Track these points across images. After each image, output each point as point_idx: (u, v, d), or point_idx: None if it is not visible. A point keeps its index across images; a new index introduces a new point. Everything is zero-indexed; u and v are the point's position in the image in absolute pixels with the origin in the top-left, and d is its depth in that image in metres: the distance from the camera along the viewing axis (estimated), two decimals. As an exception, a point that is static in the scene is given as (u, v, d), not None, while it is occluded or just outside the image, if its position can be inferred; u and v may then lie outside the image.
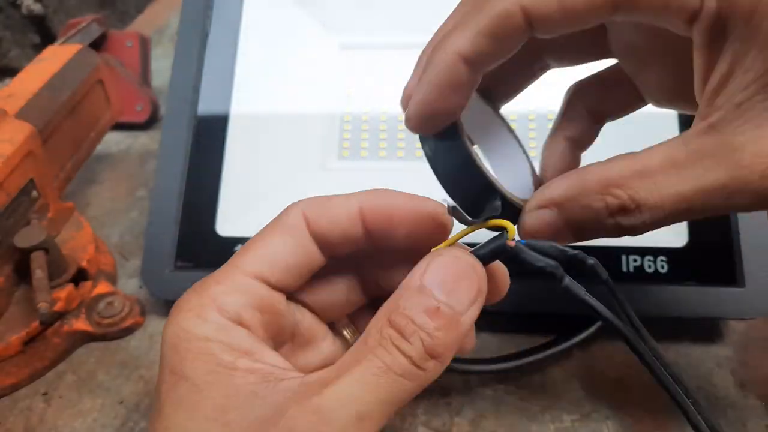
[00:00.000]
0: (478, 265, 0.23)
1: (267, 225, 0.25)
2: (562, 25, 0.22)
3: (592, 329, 0.38)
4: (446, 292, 0.22)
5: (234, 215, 0.42)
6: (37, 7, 0.81)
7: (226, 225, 0.42)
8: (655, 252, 0.38)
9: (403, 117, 0.42)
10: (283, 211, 0.25)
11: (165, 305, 0.44)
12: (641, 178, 0.22)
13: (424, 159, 0.42)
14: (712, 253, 0.38)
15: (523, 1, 0.22)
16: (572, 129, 0.31)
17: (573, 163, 0.31)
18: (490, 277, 0.24)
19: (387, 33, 0.46)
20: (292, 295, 0.26)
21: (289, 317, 0.25)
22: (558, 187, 0.24)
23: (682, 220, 0.23)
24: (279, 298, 0.25)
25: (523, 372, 0.37)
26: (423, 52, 0.27)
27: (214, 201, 0.43)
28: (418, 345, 0.21)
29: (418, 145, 0.42)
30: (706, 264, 0.38)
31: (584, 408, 0.35)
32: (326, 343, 0.27)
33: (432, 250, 0.24)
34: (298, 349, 0.27)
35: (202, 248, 0.42)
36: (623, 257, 0.38)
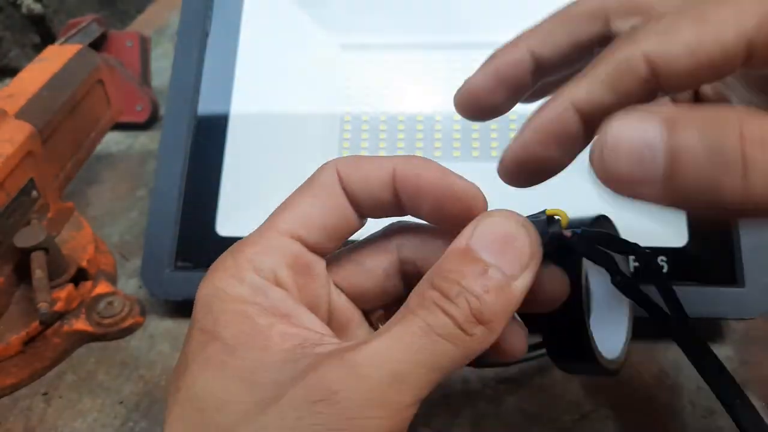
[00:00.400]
0: (531, 226, 0.21)
1: (301, 184, 0.24)
2: (692, 77, 0.19)
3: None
4: (495, 254, 0.20)
5: (234, 215, 0.42)
6: (37, 7, 0.81)
7: (226, 225, 0.42)
8: (656, 252, 0.38)
9: (402, 117, 0.43)
10: (317, 169, 0.24)
11: (165, 305, 0.44)
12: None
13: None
14: (712, 253, 0.38)
15: (646, 48, 0.19)
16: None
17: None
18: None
19: (387, 34, 0.46)
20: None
21: (325, 286, 0.24)
22: (681, 109, 0.18)
23: None
24: (316, 261, 0.24)
25: (523, 372, 0.37)
26: (493, 54, 0.25)
27: (214, 201, 0.43)
28: (464, 306, 0.19)
29: (419, 145, 0.43)
30: (706, 264, 0.38)
31: (584, 408, 0.35)
32: (362, 332, 0.26)
33: (479, 215, 0.22)
34: (334, 332, 0.25)
35: (202, 248, 0.42)
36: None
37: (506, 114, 0.42)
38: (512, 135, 0.41)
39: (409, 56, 0.45)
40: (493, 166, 0.40)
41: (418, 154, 0.43)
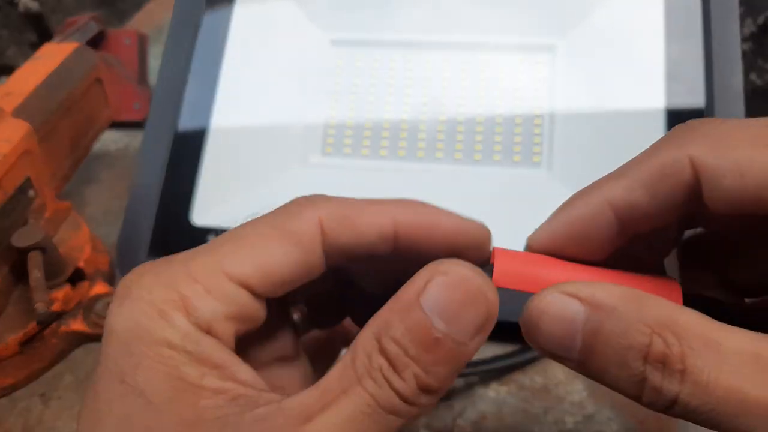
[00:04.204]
0: (491, 288, 0.19)
1: (268, 218, 0.21)
2: (736, 196, 0.18)
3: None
4: (448, 320, 0.18)
5: (211, 206, 0.43)
6: (34, 5, 0.81)
7: (202, 214, 0.43)
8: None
9: (387, 124, 0.43)
10: (291, 205, 0.21)
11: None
12: (707, 346, 0.17)
13: (405, 159, 0.42)
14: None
15: (693, 152, 0.18)
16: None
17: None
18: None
19: (379, 30, 0.46)
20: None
21: (263, 329, 0.22)
22: (607, 291, 0.18)
23: (717, 423, 0.17)
24: (260, 306, 0.21)
25: (525, 373, 0.37)
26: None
27: (191, 192, 0.43)
28: (412, 382, 0.18)
29: (402, 144, 0.43)
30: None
31: (586, 409, 0.35)
32: (297, 371, 0.24)
33: (434, 262, 0.19)
34: (273, 362, 0.23)
35: (177, 237, 0.43)
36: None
37: (492, 116, 0.42)
38: (498, 138, 0.41)
39: (396, 54, 0.45)
40: (476, 169, 0.41)
41: (402, 153, 0.42)
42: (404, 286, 0.19)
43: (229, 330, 0.20)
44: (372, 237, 0.20)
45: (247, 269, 0.19)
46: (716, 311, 0.21)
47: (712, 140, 0.18)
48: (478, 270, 0.19)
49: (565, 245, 0.20)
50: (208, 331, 0.19)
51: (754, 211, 0.18)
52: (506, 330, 0.34)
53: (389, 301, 0.19)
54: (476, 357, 0.37)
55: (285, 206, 0.21)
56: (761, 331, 0.19)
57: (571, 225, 0.20)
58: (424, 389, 0.18)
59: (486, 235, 0.21)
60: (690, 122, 0.20)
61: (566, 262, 0.21)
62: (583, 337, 0.18)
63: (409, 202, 0.21)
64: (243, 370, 0.19)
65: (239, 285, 0.19)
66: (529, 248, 0.21)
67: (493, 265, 0.21)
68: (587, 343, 0.18)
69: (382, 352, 0.18)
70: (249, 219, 0.21)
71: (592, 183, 0.20)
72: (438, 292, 0.18)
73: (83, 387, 0.39)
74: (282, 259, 0.20)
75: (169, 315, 0.19)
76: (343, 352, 0.25)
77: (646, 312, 0.18)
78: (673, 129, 0.20)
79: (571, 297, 0.18)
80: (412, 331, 0.18)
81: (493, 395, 0.36)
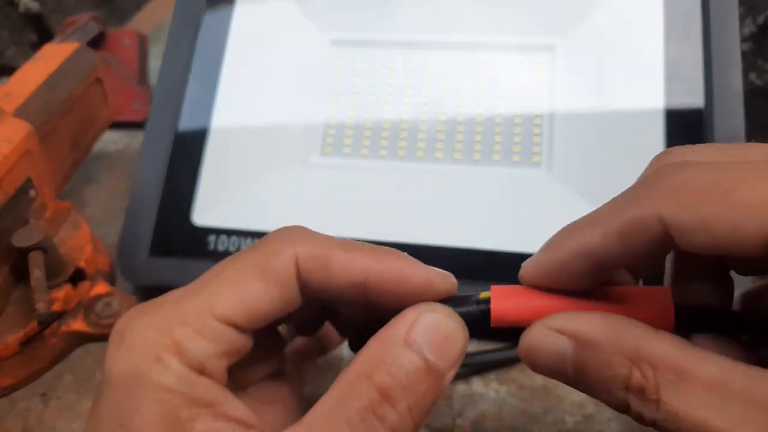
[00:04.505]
0: (465, 327, 0.22)
1: (250, 255, 0.22)
2: (706, 247, 0.18)
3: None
4: (436, 352, 0.20)
5: (211, 205, 0.43)
6: (34, 5, 0.81)
7: (202, 214, 0.43)
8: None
9: (387, 125, 0.43)
10: (271, 241, 0.22)
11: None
12: (679, 376, 0.18)
13: (405, 159, 0.42)
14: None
15: (661, 210, 0.19)
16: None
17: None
18: None
19: (379, 30, 0.46)
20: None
21: (252, 352, 0.23)
22: (590, 324, 0.20)
23: None
24: (247, 339, 0.22)
25: (524, 373, 0.37)
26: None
27: (192, 192, 0.44)
28: (405, 414, 0.19)
29: (402, 144, 0.43)
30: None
31: (586, 409, 0.35)
32: (285, 408, 0.25)
33: (419, 304, 0.22)
34: (265, 379, 0.25)
35: (177, 237, 0.43)
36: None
37: (492, 116, 0.42)
38: (497, 138, 0.41)
39: (395, 54, 0.45)
40: (475, 169, 0.41)
41: (402, 153, 0.42)
42: (389, 324, 0.21)
43: (221, 366, 0.21)
44: (342, 283, 0.22)
45: (232, 309, 0.21)
46: (707, 318, 0.22)
47: (681, 196, 0.19)
48: (454, 313, 0.22)
49: (552, 281, 0.22)
50: (202, 371, 0.20)
51: (728, 254, 0.18)
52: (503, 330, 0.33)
53: (371, 340, 0.21)
54: (473, 350, 0.37)
55: (266, 240, 0.22)
56: (756, 329, 0.21)
57: (554, 266, 0.21)
58: (413, 416, 0.20)
59: (453, 287, 0.23)
60: (663, 170, 0.20)
61: (557, 296, 0.22)
62: (573, 368, 0.20)
63: (383, 252, 0.22)
64: (234, 406, 0.21)
65: (226, 324, 0.21)
66: (522, 279, 0.22)
67: (482, 301, 0.22)
68: (577, 372, 0.20)
69: (375, 386, 0.19)
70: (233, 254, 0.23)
71: (573, 223, 0.22)
72: (427, 327, 0.21)
73: (83, 387, 0.39)
74: (263, 296, 0.21)
75: (164, 359, 0.20)
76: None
77: (625, 343, 0.19)
78: (646, 175, 0.21)
79: (557, 333, 0.21)
80: (407, 360, 0.20)
81: (493, 395, 0.36)
